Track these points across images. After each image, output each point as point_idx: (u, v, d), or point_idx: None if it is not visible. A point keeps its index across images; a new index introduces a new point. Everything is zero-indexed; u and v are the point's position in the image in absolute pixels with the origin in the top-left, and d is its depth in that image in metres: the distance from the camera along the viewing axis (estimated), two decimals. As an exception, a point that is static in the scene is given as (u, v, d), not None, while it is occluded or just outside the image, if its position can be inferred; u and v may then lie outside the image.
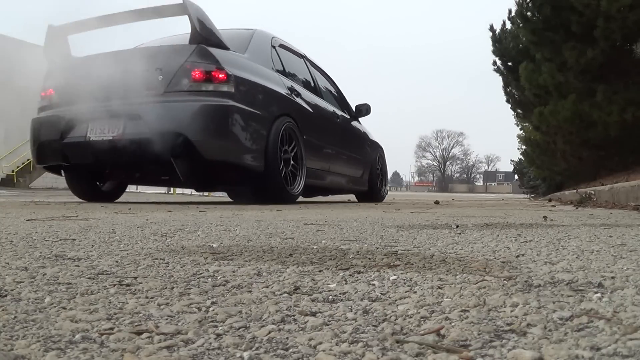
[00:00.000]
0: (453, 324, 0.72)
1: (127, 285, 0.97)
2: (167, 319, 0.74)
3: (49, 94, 4.81)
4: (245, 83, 4.36)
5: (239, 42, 4.72)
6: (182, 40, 4.59)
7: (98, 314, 0.76)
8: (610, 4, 6.48)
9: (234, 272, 1.12)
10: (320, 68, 6.59)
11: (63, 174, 5.15)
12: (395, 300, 0.86)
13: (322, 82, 6.43)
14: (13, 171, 21.62)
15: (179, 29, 5.07)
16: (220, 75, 4.12)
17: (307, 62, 6.16)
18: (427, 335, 0.66)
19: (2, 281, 0.99)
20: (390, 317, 0.76)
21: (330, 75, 6.91)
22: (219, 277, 1.06)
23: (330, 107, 6.15)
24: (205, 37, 4.25)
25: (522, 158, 20.42)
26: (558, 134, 9.47)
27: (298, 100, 5.18)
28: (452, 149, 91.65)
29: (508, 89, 13.97)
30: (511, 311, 0.78)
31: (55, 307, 0.80)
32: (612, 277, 1.05)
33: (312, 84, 5.98)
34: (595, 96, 7.73)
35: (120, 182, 5.66)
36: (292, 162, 4.92)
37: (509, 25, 12.26)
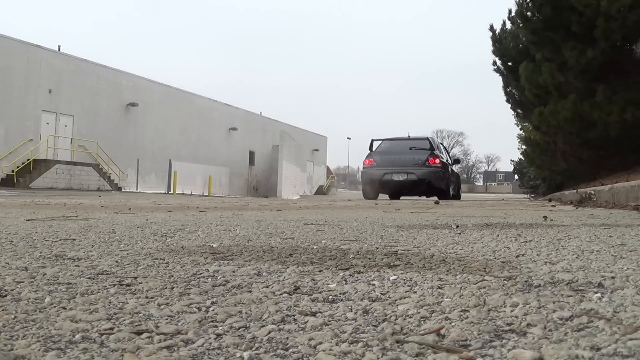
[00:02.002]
0: (453, 324, 0.72)
1: (127, 285, 0.97)
2: (167, 319, 0.74)
3: (369, 163, 12.81)
4: (443, 162, 12.88)
5: (431, 144, 13.03)
6: (411, 141, 13.50)
7: (98, 314, 0.76)
8: (610, 4, 6.47)
9: (234, 272, 1.13)
10: (442, 144, 15.42)
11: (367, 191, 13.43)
12: (395, 300, 0.86)
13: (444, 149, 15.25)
14: (13, 171, 21.58)
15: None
16: (438, 161, 12.53)
17: (441, 143, 15.11)
18: (427, 335, 0.66)
19: (2, 281, 0.99)
20: (390, 317, 0.76)
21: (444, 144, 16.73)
22: (219, 277, 1.06)
23: (449, 160, 14.30)
24: (433, 147, 12.81)
25: (522, 158, 20.42)
26: (558, 134, 9.47)
27: (447, 162, 13.41)
28: (452, 149, 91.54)
29: (508, 89, 13.98)
30: (511, 311, 0.78)
31: (55, 307, 0.80)
32: (612, 277, 1.04)
33: (443, 151, 14.38)
34: (595, 96, 7.73)
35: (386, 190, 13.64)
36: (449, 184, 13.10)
37: (509, 25, 12.25)
